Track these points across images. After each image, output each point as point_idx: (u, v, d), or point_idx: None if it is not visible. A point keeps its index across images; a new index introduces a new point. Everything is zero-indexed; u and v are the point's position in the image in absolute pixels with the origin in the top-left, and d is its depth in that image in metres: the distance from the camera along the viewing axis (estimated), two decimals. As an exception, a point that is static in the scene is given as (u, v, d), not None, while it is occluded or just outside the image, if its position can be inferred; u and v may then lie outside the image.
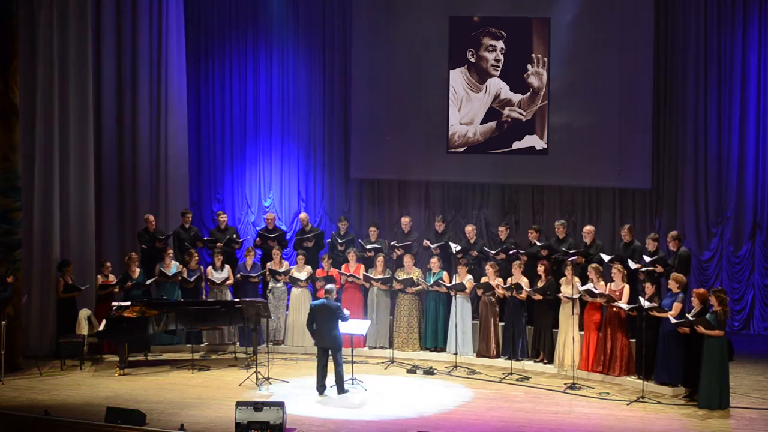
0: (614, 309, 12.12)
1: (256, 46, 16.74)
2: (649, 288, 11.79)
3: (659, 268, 12.49)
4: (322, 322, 11.76)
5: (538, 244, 13.63)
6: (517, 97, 15.63)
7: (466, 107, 15.82)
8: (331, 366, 11.79)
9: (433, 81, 15.88)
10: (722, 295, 11.14)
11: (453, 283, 13.34)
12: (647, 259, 12.60)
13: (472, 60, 15.75)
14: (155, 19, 15.62)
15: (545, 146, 15.52)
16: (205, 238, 15.17)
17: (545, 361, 13.01)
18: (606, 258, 12.90)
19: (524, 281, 12.96)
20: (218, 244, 14.47)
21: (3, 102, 12.91)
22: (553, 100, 15.47)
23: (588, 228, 13.59)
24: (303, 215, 15.27)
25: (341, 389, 11.73)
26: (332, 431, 10.32)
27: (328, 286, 11.98)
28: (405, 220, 14.76)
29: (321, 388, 11.77)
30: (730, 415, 10.85)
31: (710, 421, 10.65)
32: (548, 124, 15.50)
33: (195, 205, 16.73)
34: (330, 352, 11.76)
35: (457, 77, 15.83)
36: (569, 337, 12.59)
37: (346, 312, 11.86)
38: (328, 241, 14.61)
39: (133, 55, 15.41)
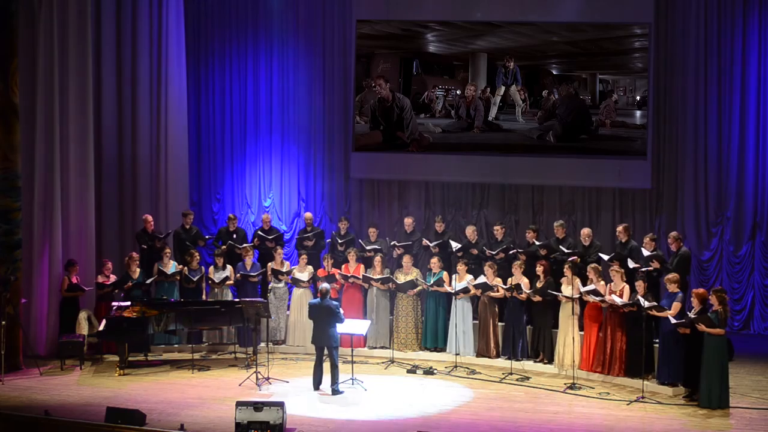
0: (612, 308, 12.13)
1: (256, 46, 16.74)
2: (640, 286, 11.80)
3: (656, 263, 12.48)
4: (319, 321, 11.80)
5: (537, 243, 13.64)
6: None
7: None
8: (327, 367, 11.81)
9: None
10: (723, 294, 11.16)
11: (466, 284, 13.28)
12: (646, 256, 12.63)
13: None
14: (155, 19, 15.62)
15: (546, 146, 15.54)
16: (207, 237, 15.18)
17: (545, 361, 13.01)
18: (605, 257, 12.91)
19: (524, 281, 12.96)
20: (222, 247, 14.47)
21: (3, 102, 12.92)
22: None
23: (585, 231, 13.56)
24: (308, 214, 15.27)
25: (336, 390, 11.72)
26: (332, 431, 10.33)
27: (322, 286, 11.98)
28: (408, 221, 14.75)
29: (316, 384, 11.84)
30: (730, 415, 10.85)
31: (710, 421, 10.66)
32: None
33: (195, 205, 16.73)
34: (326, 351, 11.78)
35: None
36: (569, 337, 12.59)
37: (341, 314, 11.87)
38: (328, 241, 14.61)
39: (133, 55, 15.41)
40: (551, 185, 15.71)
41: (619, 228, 13.29)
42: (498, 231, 14.08)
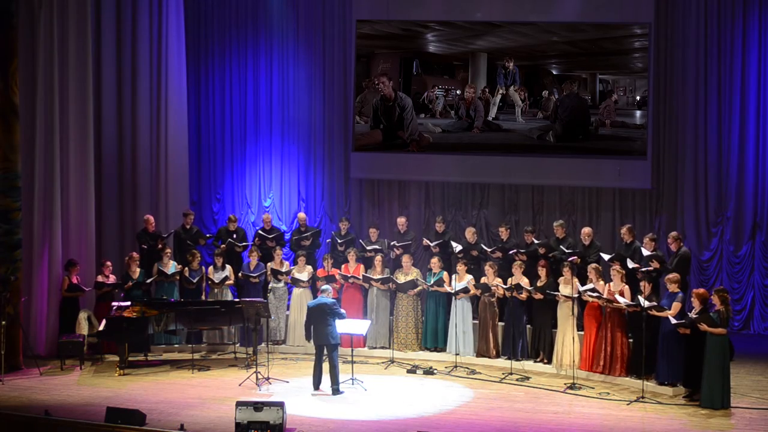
0: (612, 307, 12.11)
1: (256, 46, 16.74)
2: (645, 287, 11.80)
3: (655, 263, 12.48)
4: (318, 320, 11.81)
5: (537, 242, 13.64)
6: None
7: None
8: (326, 367, 11.81)
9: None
10: (724, 294, 11.16)
11: (459, 285, 13.30)
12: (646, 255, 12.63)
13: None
14: (155, 19, 15.62)
15: (546, 146, 15.54)
16: (208, 235, 15.18)
17: (545, 361, 13.01)
18: (606, 257, 12.90)
19: (525, 281, 12.95)
20: (222, 246, 14.46)
21: (3, 102, 12.92)
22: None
23: (586, 230, 13.56)
24: (301, 215, 15.28)
25: (336, 390, 11.71)
26: (332, 431, 10.33)
27: (323, 286, 12.04)
28: (401, 221, 14.75)
29: (316, 384, 11.84)
30: (730, 415, 10.85)
31: (711, 421, 10.65)
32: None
33: (195, 205, 16.73)
34: (325, 351, 11.79)
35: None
36: (567, 337, 12.59)
37: (338, 309, 11.89)
38: (327, 241, 14.61)
39: (133, 55, 15.41)
40: (551, 185, 15.70)
41: (623, 229, 13.28)
42: (503, 232, 14.08)
